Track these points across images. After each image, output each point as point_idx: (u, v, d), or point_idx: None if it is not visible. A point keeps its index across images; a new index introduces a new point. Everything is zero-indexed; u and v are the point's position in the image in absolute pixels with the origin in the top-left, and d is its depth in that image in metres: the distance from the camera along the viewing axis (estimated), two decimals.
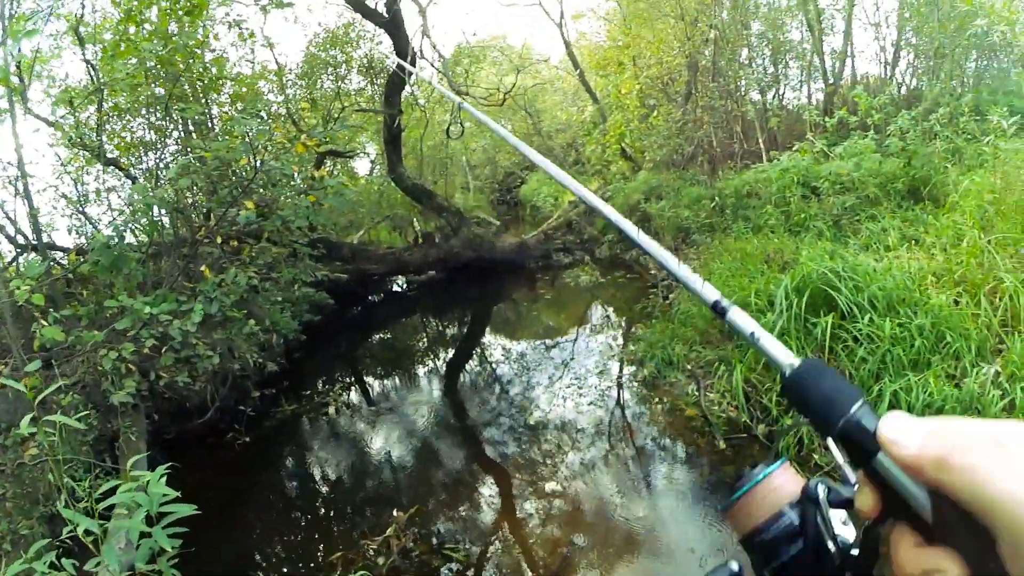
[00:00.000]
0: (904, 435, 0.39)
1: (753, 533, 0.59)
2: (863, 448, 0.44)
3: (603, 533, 3.68)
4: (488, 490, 4.48)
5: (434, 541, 3.87)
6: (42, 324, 4.14)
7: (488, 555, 3.71)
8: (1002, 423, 0.35)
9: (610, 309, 8.42)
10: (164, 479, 2.15)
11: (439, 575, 3.54)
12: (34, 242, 5.87)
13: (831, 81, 10.94)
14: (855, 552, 0.51)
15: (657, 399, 5.07)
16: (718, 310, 0.63)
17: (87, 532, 1.96)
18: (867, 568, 0.49)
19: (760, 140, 10.47)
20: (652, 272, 8.71)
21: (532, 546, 3.71)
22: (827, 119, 8.77)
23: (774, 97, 11.90)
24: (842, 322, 4.17)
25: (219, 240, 6.07)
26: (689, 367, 5.18)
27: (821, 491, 0.54)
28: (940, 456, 0.36)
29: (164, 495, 2.12)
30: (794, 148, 8.58)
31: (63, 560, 2.14)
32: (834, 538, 0.53)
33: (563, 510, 3.96)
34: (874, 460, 0.43)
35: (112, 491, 2.05)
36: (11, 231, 6.04)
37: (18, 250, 6.14)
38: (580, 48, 16.01)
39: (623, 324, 7.50)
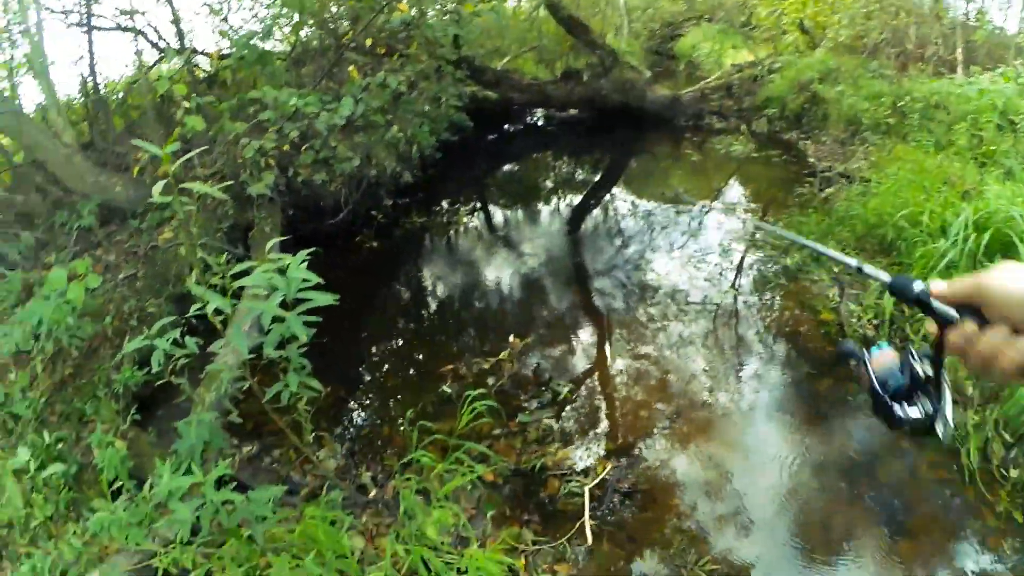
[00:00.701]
0: (942, 284, 0.72)
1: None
2: (922, 302, 0.73)
3: (690, 410, 3.58)
4: (589, 337, 4.49)
5: (530, 374, 3.98)
6: (184, 108, 4.22)
7: (577, 398, 3.78)
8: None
9: (758, 187, 7.69)
10: (305, 264, 1.99)
11: (535, 404, 3.68)
12: (176, 47, 5.93)
13: None
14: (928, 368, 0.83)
15: (795, 292, 4.69)
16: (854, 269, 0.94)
17: (216, 311, 1.88)
18: (939, 363, 0.79)
19: (959, 50, 8.74)
20: (811, 160, 7.78)
21: (621, 402, 3.74)
22: None
23: (978, 9, 9.67)
24: None
25: (368, 42, 5.93)
26: (836, 270, 4.70)
27: (913, 349, 0.86)
28: (971, 285, 0.68)
29: (304, 280, 1.94)
30: (998, 70, 7.25)
31: (187, 339, 2.14)
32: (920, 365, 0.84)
33: (659, 377, 3.90)
34: (932, 306, 0.71)
35: (246, 273, 1.95)
36: (153, 37, 6.08)
37: (161, 54, 6.22)
38: None
39: (769, 206, 6.86)
